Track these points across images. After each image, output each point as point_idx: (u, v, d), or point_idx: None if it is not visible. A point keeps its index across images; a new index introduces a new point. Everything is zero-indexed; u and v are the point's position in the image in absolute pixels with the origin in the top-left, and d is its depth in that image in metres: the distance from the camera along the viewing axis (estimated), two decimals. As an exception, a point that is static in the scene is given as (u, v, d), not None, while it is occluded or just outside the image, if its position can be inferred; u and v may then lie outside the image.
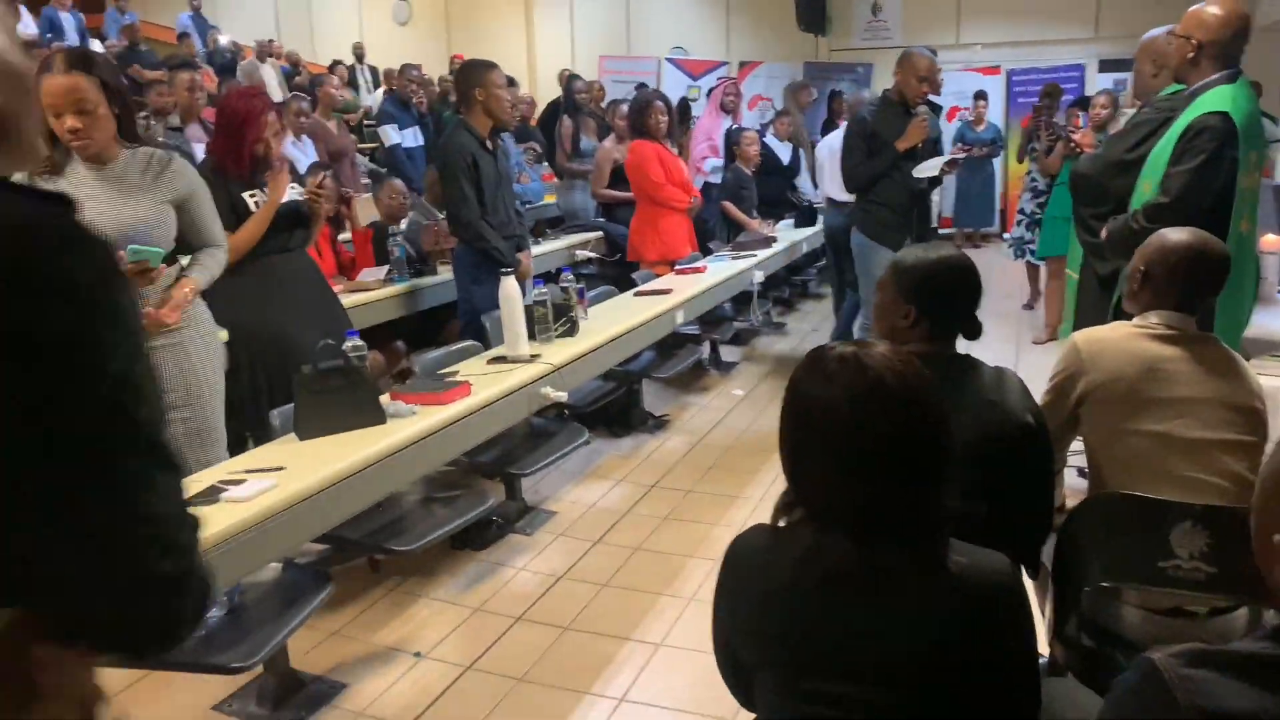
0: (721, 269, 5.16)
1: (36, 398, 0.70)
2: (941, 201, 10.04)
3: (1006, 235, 10.64)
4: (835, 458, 1.26)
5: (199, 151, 4.86)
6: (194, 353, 2.68)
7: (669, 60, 12.51)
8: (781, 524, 1.35)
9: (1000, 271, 7.24)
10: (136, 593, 0.77)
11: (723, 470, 4.11)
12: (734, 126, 6.73)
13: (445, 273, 4.66)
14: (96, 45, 10.75)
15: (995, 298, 6.91)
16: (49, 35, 10.18)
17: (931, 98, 4.43)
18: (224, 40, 11.71)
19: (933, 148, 4.57)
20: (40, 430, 0.71)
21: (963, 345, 1.86)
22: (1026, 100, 10.71)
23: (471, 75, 4.02)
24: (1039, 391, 1.94)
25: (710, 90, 7.72)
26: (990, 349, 4.55)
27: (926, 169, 4.44)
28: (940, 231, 9.01)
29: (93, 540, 0.74)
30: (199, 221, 2.72)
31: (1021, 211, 6.39)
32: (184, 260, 2.73)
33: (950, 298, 1.81)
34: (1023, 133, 7.21)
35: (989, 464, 1.62)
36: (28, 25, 9.60)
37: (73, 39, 10.31)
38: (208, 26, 12.09)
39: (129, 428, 0.76)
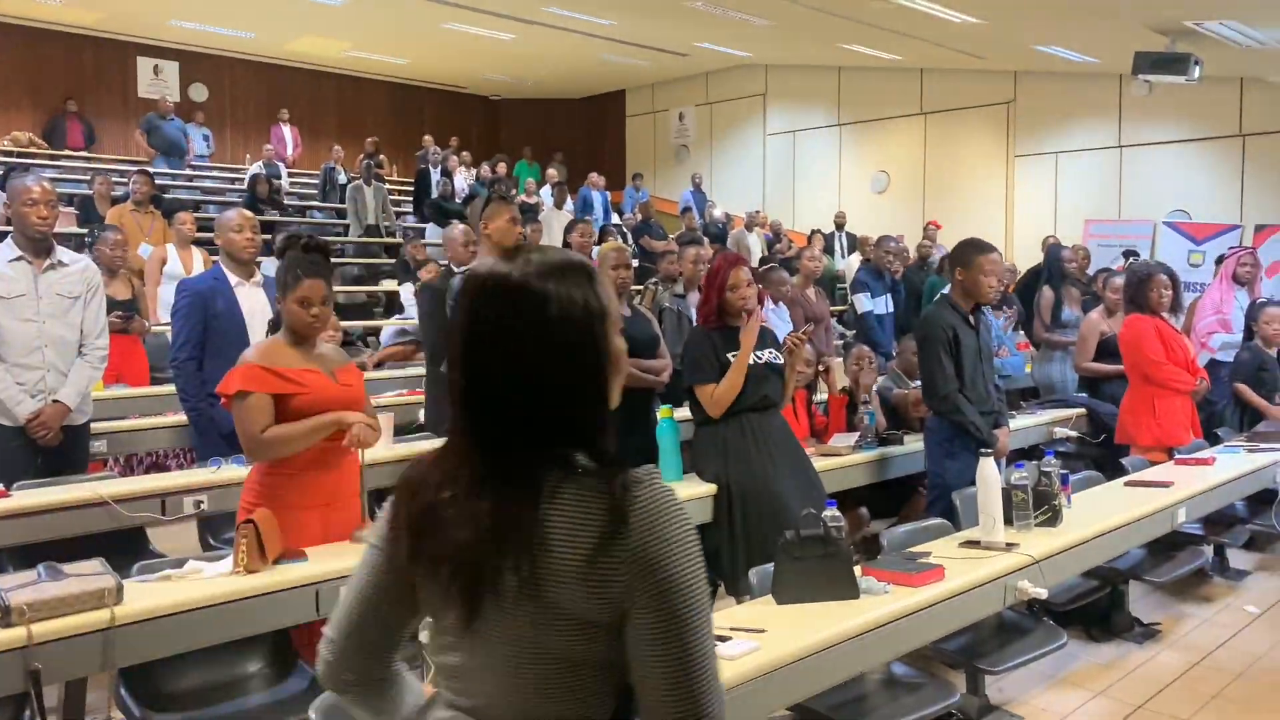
0: (1234, 462, 4.54)
1: None
2: None
3: None
4: None
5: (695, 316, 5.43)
6: None
7: (1166, 224, 11.55)
8: None
9: None
10: None
11: (1232, 702, 3.50)
12: (1256, 300, 6.00)
13: (911, 443, 4.65)
14: (615, 218, 12.60)
15: None
16: (580, 210, 12.15)
17: None
18: (717, 212, 13.10)
19: None
20: None
21: None
22: None
23: (963, 255, 4.08)
24: None
25: (1219, 258, 6.97)
26: None
27: None
28: None
29: None
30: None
31: None
32: None
33: None
34: None
35: None
36: (569, 204, 11.54)
37: (599, 214, 12.21)
38: (705, 200, 13.62)
39: None
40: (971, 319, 4.07)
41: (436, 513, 1.19)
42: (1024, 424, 5.37)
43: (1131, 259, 8.10)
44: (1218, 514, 4.60)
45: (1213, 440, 5.11)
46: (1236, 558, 5.03)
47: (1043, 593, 3.02)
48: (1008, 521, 3.28)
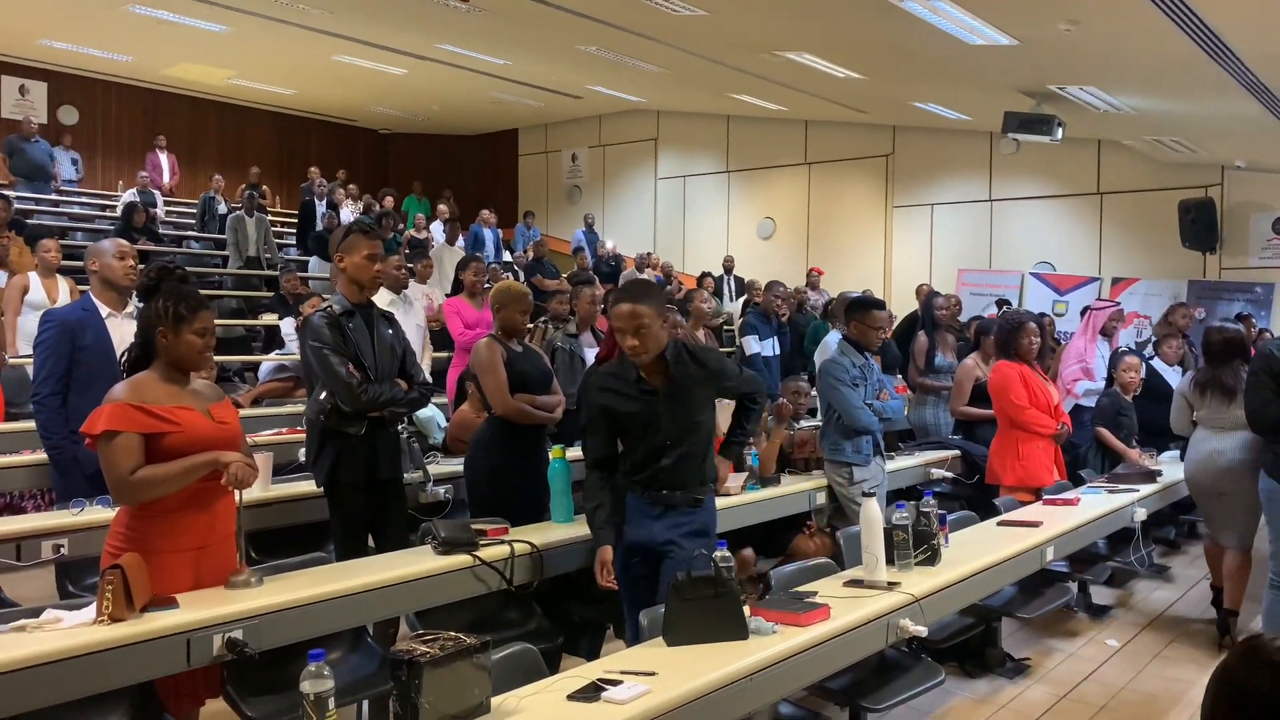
0: (1097, 502, 4.78)
1: None
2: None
3: None
4: None
5: (590, 355, 5.44)
6: None
7: (1033, 275, 12.20)
8: None
9: None
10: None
11: (1096, 733, 3.67)
12: (1115, 350, 6.39)
13: (789, 483, 4.77)
14: (507, 256, 12.53)
15: None
16: (472, 247, 12.03)
17: None
18: (609, 244, 13.20)
19: None
20: None
21: None
22: None
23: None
24: None
25: (1084, 309, 7.40)
26: None
27: None
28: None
29: None
30: None
31: None
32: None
33: None
34: None
35: None
36: (460, 241, 11.42)
37: (490, 251, 12.12)
38: (597, 240, 13.70)
39: None
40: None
41: None
42: (900, 465, 5.55)
43: (1005, 308, 8.50)
44: (1081, 552, 4.83)
45: (1077, 481, 5.37)
46: (1098, 593, 5.29)
47: (923, 630, 3.11)
48: (889, 561, 3.37)
